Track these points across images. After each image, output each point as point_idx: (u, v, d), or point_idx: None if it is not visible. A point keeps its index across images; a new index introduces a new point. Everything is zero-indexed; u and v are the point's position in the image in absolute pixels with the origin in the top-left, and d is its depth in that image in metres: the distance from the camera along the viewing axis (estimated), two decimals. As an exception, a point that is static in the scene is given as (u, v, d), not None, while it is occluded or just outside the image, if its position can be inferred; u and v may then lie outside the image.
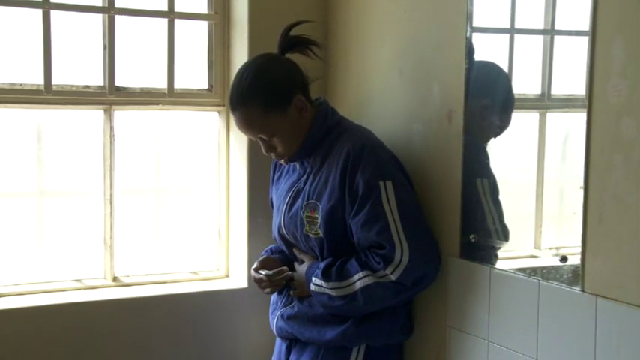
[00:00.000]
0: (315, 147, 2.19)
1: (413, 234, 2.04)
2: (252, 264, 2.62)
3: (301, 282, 2.20)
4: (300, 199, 2.19)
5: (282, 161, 2.24)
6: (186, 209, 2.82)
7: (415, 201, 2.14)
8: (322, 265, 2.13)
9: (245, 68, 2.17)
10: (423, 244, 2.07)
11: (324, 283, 2.11)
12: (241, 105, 2.12)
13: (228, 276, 2.81)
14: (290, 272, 2.24)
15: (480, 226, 2.05)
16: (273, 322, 2.32)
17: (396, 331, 2.19)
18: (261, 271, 2.25)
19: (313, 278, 2.13)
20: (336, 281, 2.09)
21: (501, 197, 2.03)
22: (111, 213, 2.62)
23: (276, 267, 2.26)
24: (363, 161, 2.07)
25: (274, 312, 2.32)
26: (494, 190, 2.05)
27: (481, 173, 2.07)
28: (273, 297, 2.37)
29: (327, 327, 2.16)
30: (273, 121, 2.11)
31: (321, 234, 2.13)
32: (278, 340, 2.37)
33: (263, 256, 2.35)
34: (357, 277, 2.06)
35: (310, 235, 2.16)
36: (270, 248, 2.42)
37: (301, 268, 2.21)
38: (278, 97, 2.12)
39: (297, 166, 2.26)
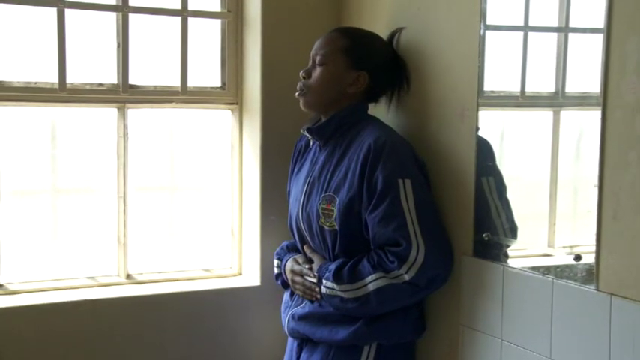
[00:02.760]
0: (338, 130, 2.22)
1: (429, 234, 2.04)
2: (265, 262, 2.64)
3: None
4: (316, 191, 2.20)
5: (301, 103, 2.27)
6: (199, 207, 2.83)
7: (432, 201, 2.14)
8: (333, 267, 2.12)
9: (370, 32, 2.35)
10: (439, 245, 2.07)
11: (335, 286, 2.10)
12: (339, 32, 2.29)
13: (240, 274, 2.81)
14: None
15: (493, 224, 2.05)
16: (285, 321, 2.32)
17: (408, 330, 2.18)
18: (311, 277, 2.20)
19: (324, 281, 2.13)
20: (348, 283, 2.08)
21: (514, 195, 2.02)
22: (124, 210, 2.63)
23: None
24: (384, 157, 2.07)
25: (286, 311, 2.33)
26: (499, 187, 2.04)
27: (486, 171, 2.06)
28: (285, 296, 2.37)
29: (339, 326, 2.15)
30: (337, 59, 2.22)
31: (336, 227, 2.13)
32: (290, 338, 2.37)
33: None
34: (369, 278, 2.05)
35: (325, 227, 2.16)
36: (287, 245, 2.42)
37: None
38: (360, 57, 2.23)
39: (312, 153, 2.28)
